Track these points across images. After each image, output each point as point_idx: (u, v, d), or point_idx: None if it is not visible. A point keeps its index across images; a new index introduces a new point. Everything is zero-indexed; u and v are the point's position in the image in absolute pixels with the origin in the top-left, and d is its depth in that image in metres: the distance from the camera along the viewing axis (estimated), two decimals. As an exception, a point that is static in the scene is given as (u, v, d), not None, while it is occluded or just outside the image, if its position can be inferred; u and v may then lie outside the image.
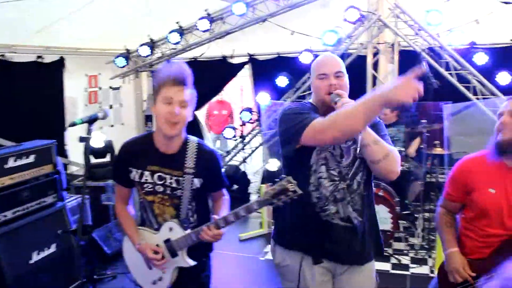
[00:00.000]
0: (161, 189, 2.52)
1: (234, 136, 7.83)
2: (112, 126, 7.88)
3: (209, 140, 9.17)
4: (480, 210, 2.41)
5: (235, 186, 7.69)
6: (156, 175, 2.51)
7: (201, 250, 2.62)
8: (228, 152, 8.22)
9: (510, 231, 2.31)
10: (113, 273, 4.95)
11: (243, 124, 7.56)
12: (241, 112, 7.52)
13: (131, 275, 2.75)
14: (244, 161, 7.75)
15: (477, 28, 6.25)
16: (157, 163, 2.50)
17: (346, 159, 2.39)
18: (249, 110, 7.50)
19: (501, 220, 2.34)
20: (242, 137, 7.70)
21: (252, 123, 7.71)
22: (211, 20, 7.15)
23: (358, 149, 2.18)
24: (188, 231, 2.49)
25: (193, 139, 2.58)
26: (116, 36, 7.22)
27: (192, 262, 2.53)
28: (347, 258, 2.45)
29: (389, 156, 2.21)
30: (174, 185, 2.51)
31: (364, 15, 6.40)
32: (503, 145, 2.29)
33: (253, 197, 7.59)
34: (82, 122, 2.69)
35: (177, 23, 7.30)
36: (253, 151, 7.94)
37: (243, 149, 7.61)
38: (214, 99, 9.03)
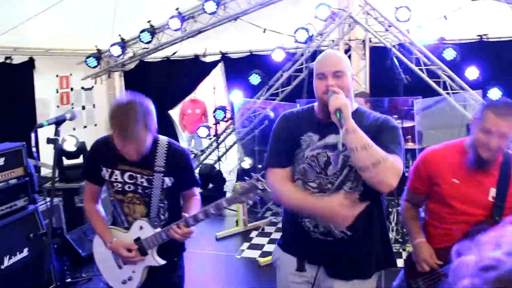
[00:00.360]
0: (132, 188, 2.52)
1: (208, 135, 7.81)
2: (85, 127, 7.79)
3: (184, 140, 9.12)
4: (444, 200, 2.46)
5: (211, 185, 7.67)
6: (126, 174, 2.51)
7: (172, 250, 2.62)
8: (202, 151, 8.20)
9: (474, 220, 2.37)
10: (87, 276, 4.89)
11: (217, 122, 7.55)
12: (214, 110, 7.51)
13: (103, 277, 2.73)
14: (219, 159, 7.74)
15: (446, 24, 6.36)
16: (128, 162, 2.50)
17: (333, 167, 2.23)
18: (223, 108, 7.50)
19: (464, 209, 2.39)
20: (216, 135, 7.69)
21: (226, 121, 7.70)
22: (183, 19, 7.12)
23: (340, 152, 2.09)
24: (158, 229, 2.48)
25: (163, 138, 2.58)
26: (87, 36, 7.14)
27: (161, 261, 2.53)
28: (332, 271, 2.32)
29: (379, 164, 1.96)
30: (145, 184, 2.51)
31: (335, 12, 6.46)
32: (484, 161, 2.33)
33: (229, 196, 7.57)
34: (49, 124, 2.66)
35: (149, 22, 7.25)
36: (227, 150, 7.94)
37: (217, 147, 7.60)
38: (188, 98, 9.00)
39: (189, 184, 2.69)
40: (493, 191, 2.35)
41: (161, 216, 2.57)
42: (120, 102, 2.35)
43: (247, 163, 7.27)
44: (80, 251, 5.13)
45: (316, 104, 2.35)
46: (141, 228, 2.51)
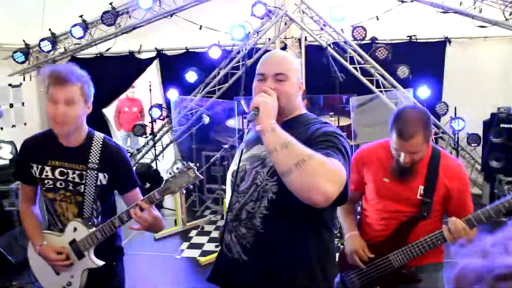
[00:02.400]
0: (63, 185, 2.39)
1: (145, 133, 7.67)
2: (13, 126, 7.43)
3: (119, 139, 8.91)
4: (375, 198, 2.55)
5: (148, 185, 7.54)
6: (57, 171, 2.39)
7: (110, 254, 2.53)
8: (139, 150, 8.04)
9: (404, 215, 2.46)
10: (19, 284, 4.66)
11: (153, 121, 7.43)
12: (150, 108, 7.38)
13: (39, 284, 2.59)
14: (155, 158, 7.61)
15: (378, 24, 6.57)
16: (59, 157, 2.38)
17: (245, 183, 1.99)
18: (159, 106, 7.39)
19: (395, 207, 2.48)
20: (153, 134, 7.56)
21: (162, 119, 7.59)
22: (117, 14, 6.95)
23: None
24: (93, 229, 2.38)
25: (99, 134, 2.47)
26: (13, 29, 6.80)
27: (100, 262, 2.43)
28: None
29: (304, 163, 1.58)
30: (76, 180, 2.38)
31: (271, 10, 6.51)
32: (404, 168, 2.41)
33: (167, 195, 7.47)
34: None
35: (81, 16, 7.02)
36: (164, 148, 7.82)
37: (154, 146, 7.47)
38: (124, 96, 8.80)
39: (128, 185, 2.52)
40: (421, 189, 2.43)
41: (94, 219, 2.46)
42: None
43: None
44: (9, 257, 4.89)
45: None
46: (75, 229, 2.40)
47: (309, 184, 1.58)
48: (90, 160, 2.37)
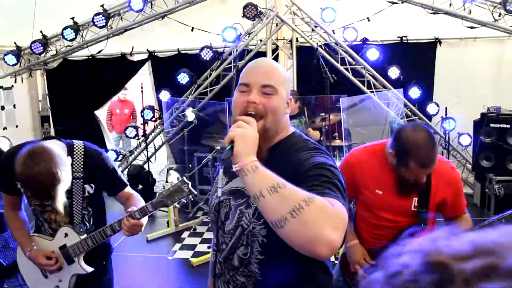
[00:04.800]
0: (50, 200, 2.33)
1: (137, 135, 7.66)
2: (5, 129, 7.41)
3: (111, 140, 8.89)
4: (370, 209, 2.54)
5: (140, 186, 7.53)
6: None
7: (98, 254, 2.53)
8: (131, 152, 8.03)
9: (399, 225, 2.46)
10: (10, 287, 4.66)
11: (145, 122, 7.42)
12: (142, 110, 7.37)
13: (27, 287, 2.60)
14: (148, 160, 7.61)
15: (369, 25, 6.60)
16: None
17: (230, 222, 1.72)
18: (151, 108, 7.38)
19: (390, 217, 2.47)
20: (145, 136, 7.55)
21: (154, 121, 7.59)
22: (108, 16, 6.94)
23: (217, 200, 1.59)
24: (84, 236, 2.39)
25: (78, 142, 2.41)
26: (5, 31, 6.79)
27: (89, 269, 2.43)
28: None
29: (302, 209, 1.27)
30: None
31: (262, 11, 6.52)
32: (412, 184, 2.39)
33: (159, 196, 7.47)
34: None
35: (72, 18, 7.00)
36: (156, 150, 7.81)
37: (146, 148, 7.46)
38: (116, 98, 8.78)
39: (117, 188, 2.53)
40: (415, 201, 2.43)
41: (86, 224, 2.48)
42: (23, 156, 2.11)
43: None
44: (1, 260, 4.87)
45: None
46: (66, 235, 2.41)
47: (311, 235, 1.26)
48: (74, 170, 2.33)
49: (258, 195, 1.34)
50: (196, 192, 2.13)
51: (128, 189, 2.57)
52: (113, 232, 2.33)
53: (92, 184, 2.42)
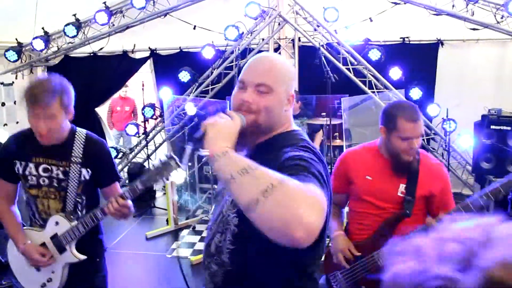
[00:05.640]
0: (46, 181, 2.42)
1: (137, 133, 7.66)
2: (5, 125, 7.40)
3: (112, 138, 8.88)
4: (359, 196, 2.60)
5: (140, 184, 7.52)
6: (41, 167, 2.41)
7: (93, 250, 2.54)
8: (131, 149, 8.03)
9: (386, 214, 2.51)
10: (8, 283, 4.62)
11: (146, 120, 7.42)
12: (143, 108, 7.37)
13: (18, 283, 2.60)
14: (148, 158, 7.60)
15: (371, 26, 6.59)
16: (43, 154, 2.40)
17: (217, 209, 1.77)
18: (152, 106, 7.38)
19: (377, 204, 2.53)
20: (145, 133, 7.55)
21: (155, 119, 7.58)
22: (110, 13, 6.94)
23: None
24: (75, 222, 2.39)
25: (81, 130, 2.50)
26: (6, 27, 6.78)
27: (81, 256, 2.43)
28: None
29: (274, 189, 1.18)
30: (60, 176, 2.41)
31: (264, 10, 6.52)
32: (407, 164, 2.46)
33: (159, 194, 7.48)
34: None
35: (74, 15, 7.00)
36: (157, 148, 7.81)
37: (146, 145, 7.46)
38: (117, 95, 8.78)
39: (109, 178, 2.54)
40: (402, 187, 2.48)
41: (78, 212, 2.48)
42: (35, 78, 2.31)
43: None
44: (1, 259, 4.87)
45: None
46: (57, 223, 2.41)
47: (285, 216, 1.15)
48: (73, 155, 2.39)
49: (228, 178, 1.28)
50: (183, 166, 2.12)
51: (117, 184, 2.58)
52: (104, 214, 2.33)
53: (88, 169, 2.44)
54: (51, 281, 2.46)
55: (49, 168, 2.40)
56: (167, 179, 2.19)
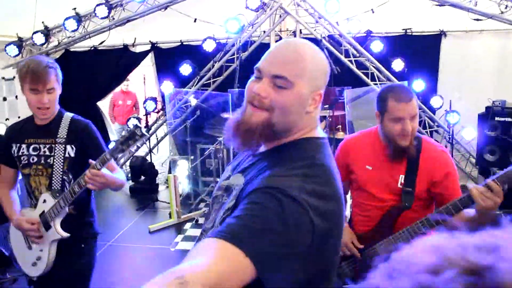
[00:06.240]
0: (35, 159, 2.56)
1: (139, 126, 7.64)
2: (7, 119, 7.39)
3: (113, 132, 8.87)
4: (360, 186, 2.55)
5: (142, 177, 7.52)
6: (31, 147, 2.57)
7: (78, 234, 2.59)
8: (133, 143, 8.00)
9: (387, 205, 2.46)
10: (13, 277, 4.64)
11: (148, 114, 7.40)
12: (145, 101, 7.35)
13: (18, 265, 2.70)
14: (150, 151, 7.59)
15: (373, 17, 6.55)
16: (33, 135, 2.58)
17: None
18: (153, 99, 7.36)
19: (378, 194, 2.48)
20: (147, 127, 7.53)
21: (156, 112, 7.56)
22: (110, 6, 6.90)
23: None
24: (58, 198, 2.46)
25: (68, 113, 2.66)
26: (6, 22, 6.75)
27: (64, 234, 2.48)
28: None
29: None
30: (47, 153, 2.55)
31: (265, 2, 6.48)
32: (404, 150, 2.38)
33: (161, 188, 7.47)
34: None
35: (74, 9, 6.97)
36: (159, 141, 7.80)
37: (148, 139, 7.44)
38: (119, 89, 8.76)
39: (98, 156, 2.49)
40: (402, 178, 2.42)
41: (65, 191, 2.50)
42: (27, 59, 2.51)
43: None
44: (3, 249, 4.87)
45: None
46: (44, 201, 2.52)
47: None
48: (58, 135, 2.55)
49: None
50: (148, 134, 2.15)
51: (113, 163, 2.58)
52: (79, 187, 2.38)
53: (73, 146, 2.55)
54: (40, 259, 2.55)
55: (38, 146, 2.57)
56: (133, 148, 2.25)
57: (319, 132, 1.46)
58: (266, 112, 1.34)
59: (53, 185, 2.53)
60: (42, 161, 2.55)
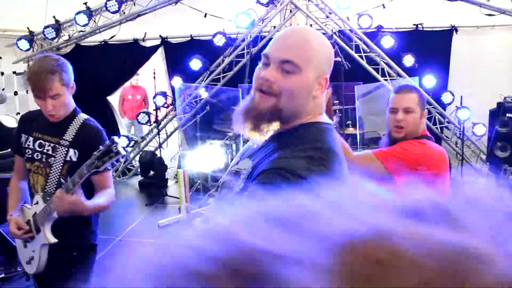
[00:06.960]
0: (39, 156, 2.46)
1: (148, 121, 7.66)
2: (18, 114, 7.43)
3: (123, 126, 8.90)
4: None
5: (152, 172, 7.54)
6: (37, 142, 2.47)
7: (72, 241, 2.45)
8: (143, 138, 8.04)
9: None
10: (23, 269, 4.67)
11: (157, 108, 7.42)
12: (154, 96, 7.37)
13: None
14: (160, 146, 7.61)
15: (384, 12, 6.51)
16: (41, 130, 2.47)
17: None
18: (163, 94, 7.37)
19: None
20: (157, 122, 7.56)
21: (166, 107, 7.58)
22: (121, 1, 6.91)
23: None
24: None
25: (83, 115, 2.51)
26: (18, 16, 6.79)
27: (52, 239, 2.35)
28: None
29: None
30: (50, 152, 2.44)
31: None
32: (396, 142, 2.38)
33: (170, 183, 7.49)
34: None
35: (85, 3, 6.99)
36: (168, 136, 7.82)
37: (158, 134, 7.46)
38: (128, 84, 8.78)
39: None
40: None
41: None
42: (33, 60, 2.37)
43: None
44: (14, 243, 4.90)
45: None
46: (37, 203, 2.45)
47: None
48: (64, 136, 2.41)
49: None
50: (124, 153, 2.07)
51: (109, 174, 2.50)
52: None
53: (76, 151, 2.41)
54: (33, 259, 2.48)
55: (43, 143, 2.46)
56: (112, 165, 2.16)
57: (325, 118, 1.48)
58: (274, 98, 1.37)
59: (47, 187, 2.41)
60: (44, 160, 2.43)
